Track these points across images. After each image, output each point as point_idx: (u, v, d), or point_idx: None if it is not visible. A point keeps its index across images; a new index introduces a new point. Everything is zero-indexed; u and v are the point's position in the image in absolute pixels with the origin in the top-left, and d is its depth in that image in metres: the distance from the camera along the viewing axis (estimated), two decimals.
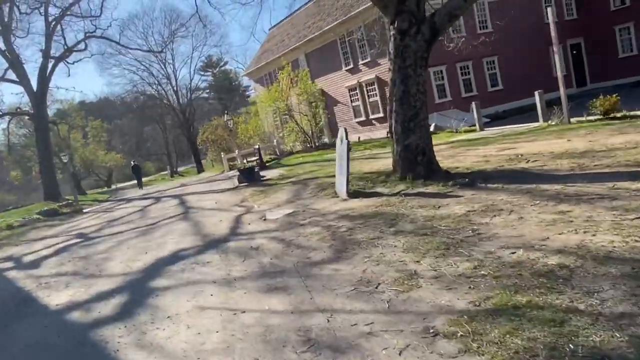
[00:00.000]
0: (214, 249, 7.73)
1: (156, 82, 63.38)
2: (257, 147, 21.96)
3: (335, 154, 10.51)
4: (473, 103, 17.45)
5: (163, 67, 61.96)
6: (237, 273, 6.15)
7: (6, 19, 28.75)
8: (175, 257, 7.71)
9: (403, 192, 8.73)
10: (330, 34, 24.34)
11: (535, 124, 15.45)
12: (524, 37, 23.33)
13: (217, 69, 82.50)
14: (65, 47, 31.23)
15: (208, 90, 79.13)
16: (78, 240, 11.99)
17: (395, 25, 9.54)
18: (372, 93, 22.81)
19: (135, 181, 36.37)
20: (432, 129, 19.48)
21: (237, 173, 20.68)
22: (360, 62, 22.92)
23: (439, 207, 7.30)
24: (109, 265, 8.15)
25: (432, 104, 21.54)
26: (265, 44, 34.58)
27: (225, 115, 26.83)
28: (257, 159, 20.77)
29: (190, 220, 11.25)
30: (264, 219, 9.23)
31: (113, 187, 56.72)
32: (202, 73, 75.98)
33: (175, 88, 63.63)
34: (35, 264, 9.75)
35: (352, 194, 9.38)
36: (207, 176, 28.01)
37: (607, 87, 20.82)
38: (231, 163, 27.05)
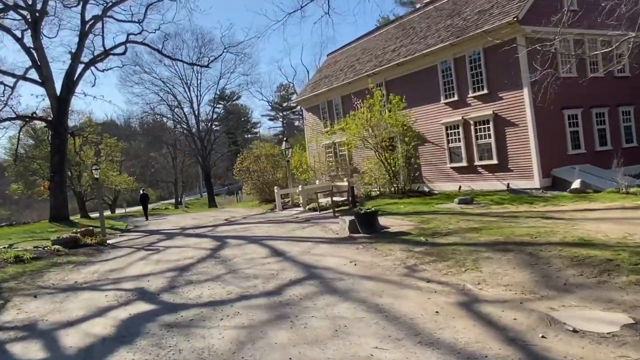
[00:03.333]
0: None
1: (176, 105, 59.79)
2: (344, 183, 17.50)
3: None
4: None
5: (187, 90, 58.56)
6: None
7: (39, 6, 24.83)
8: None
9: None
10: (427, 59, 20.38)
11: None
12: None
13: (230, 103, 79.07)
14: (102, 50, 27.17)
15: (217, 123, 74.80)
16: (147, 306, 7.29)
17: None
18: (483, 134, 18.48)
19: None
20: (577, 185, 15.14)
21: (325, 214, 16.20)
22: (471, 94, 18.72)
23: None
24: None
25: (564, 155, 17.32)
26: (324, 69, 30.69)
27: (284, 143, 22.43)
28: (345, 200, 16.27)
29: (349, 296, 6.61)
30: (573, 330, 4.65)
31: (118, 212, 51.91)
32: (214, 105, 72.27)
33: (197, 112, 59.96)
34: None
35: None
36: (251, 213, 23.36)
37: None
38: (284, 200, 22.54)
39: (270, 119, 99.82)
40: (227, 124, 77.98)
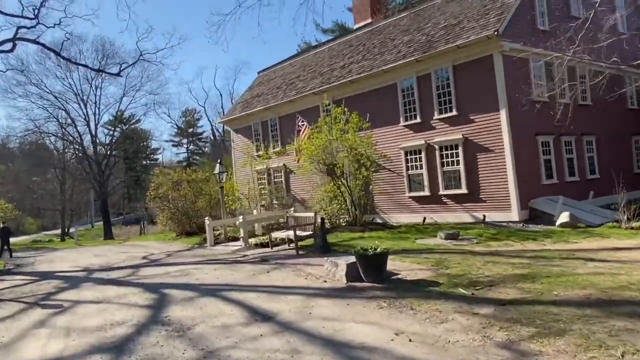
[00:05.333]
0: None
1: (69, 123, 53.00)
2: (308, 214, 14.44)
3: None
4: None
5: (83, 107, 52.08)
6: None
7: None
8: None
9: None
10: (385, 77, 18.41)
11: None
12: (607, 122, 19.20)
13: (128, 127, 72.21)
14: None
15: (114, 146, 67.25)
16: None
17: None
18: (450, 160, 16.63)
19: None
20: (566, 219, 13.63)
21: (282, 251, 12.93)
22: (437, 116, 16.89)
23: None
24: None
25: (539, 185, 15.97)
26: (255, 87, 27.70)
27: (218, 166, 18.97)
28: (309, 234, 13.21)
29: None
30: None
31: None
32: (110, 128, 65.79)
33: (93, 132, 53.69)
34: None
35: None
36: (173, 248, 19.40)
37: None
38: (216, 232, 19.02)
39: (174, 145, 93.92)
40: (126, 148, 70.76)
